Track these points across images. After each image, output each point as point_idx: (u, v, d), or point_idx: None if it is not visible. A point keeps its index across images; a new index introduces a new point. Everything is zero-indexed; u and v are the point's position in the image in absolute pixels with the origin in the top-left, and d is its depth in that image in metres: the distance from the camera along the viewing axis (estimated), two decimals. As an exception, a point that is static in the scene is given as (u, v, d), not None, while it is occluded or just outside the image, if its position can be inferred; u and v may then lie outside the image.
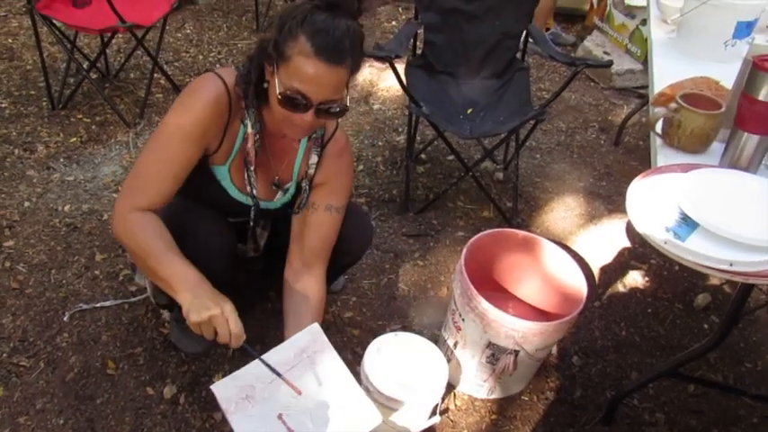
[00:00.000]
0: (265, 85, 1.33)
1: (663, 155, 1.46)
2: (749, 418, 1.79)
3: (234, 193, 1.50)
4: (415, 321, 2.02)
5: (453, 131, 2.29)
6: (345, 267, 1.78)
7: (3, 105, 2.90)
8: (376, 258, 2.24)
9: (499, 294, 1.88)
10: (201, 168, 1.42)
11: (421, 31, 2.52)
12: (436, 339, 1.81)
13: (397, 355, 1.66)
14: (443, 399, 1.72)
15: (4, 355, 1.77)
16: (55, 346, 1.81)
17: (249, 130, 1.40)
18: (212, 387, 1.29)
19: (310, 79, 1.22)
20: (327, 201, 1.54)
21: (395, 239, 2.34)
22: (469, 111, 2.48)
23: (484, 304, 1.54)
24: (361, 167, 2.73)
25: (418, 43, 2.59)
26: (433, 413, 1.60)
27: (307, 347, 1.37)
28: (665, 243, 1.15)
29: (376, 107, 3.20)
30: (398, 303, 2.08)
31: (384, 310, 2.04)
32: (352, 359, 1.81)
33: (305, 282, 1.55)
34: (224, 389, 1.29)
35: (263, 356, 1.31)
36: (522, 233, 1.80)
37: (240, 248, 1.66)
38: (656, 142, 1.50)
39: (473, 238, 1.72)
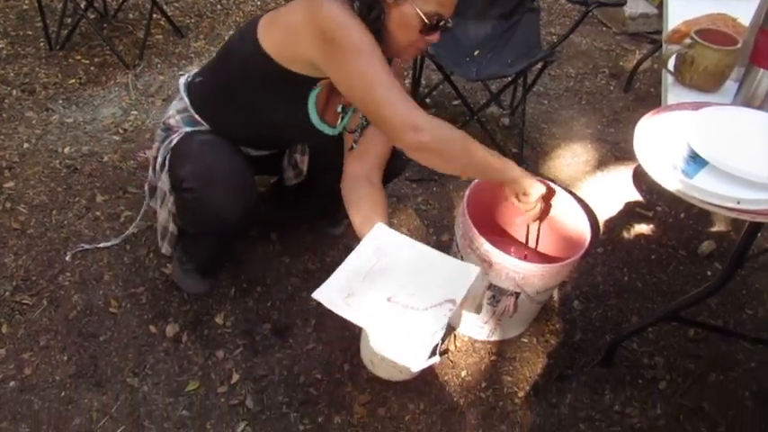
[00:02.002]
0: (382, 17, 1.32)
1: (674, 93, 1.41)
2: (747, 362, 1.80)
3: (314, 117, 1.51)
4: (417, 265, 2.01)
5: (459, 73, 2.23)
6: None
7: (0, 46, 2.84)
8: (378, 203, 2.22)
9: (502, 239, 1.86)
10: (303, 86, 1.43)
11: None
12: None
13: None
14: (444, 340, 1.73)
15: (7, 293, 1.79)
16: (57, 285, 1.82)
17: None
18: (314, 295, 1.32)
19: (451, 1, 1.33)
20: None
21: (398, 184, 2.31)
22: (476, 53, 2.41)
23: (486, 246, 1.53)
24: (364, 112, 2.68)
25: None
26: (433, 353, 1.60)
27: (384, 238, 1.44)
28: (673, 180, 1.12)
29: (380, 51, 3.12)
30: (400, 247, 2.07)
31: (386, 254, 2.03)
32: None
33: (366, 189, 1.58)
34: (326, 292, 1.32)
35: (348, 259, 1.39)
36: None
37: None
38: (668, 80, 1.45)
39: (476, 180, 1.69)
